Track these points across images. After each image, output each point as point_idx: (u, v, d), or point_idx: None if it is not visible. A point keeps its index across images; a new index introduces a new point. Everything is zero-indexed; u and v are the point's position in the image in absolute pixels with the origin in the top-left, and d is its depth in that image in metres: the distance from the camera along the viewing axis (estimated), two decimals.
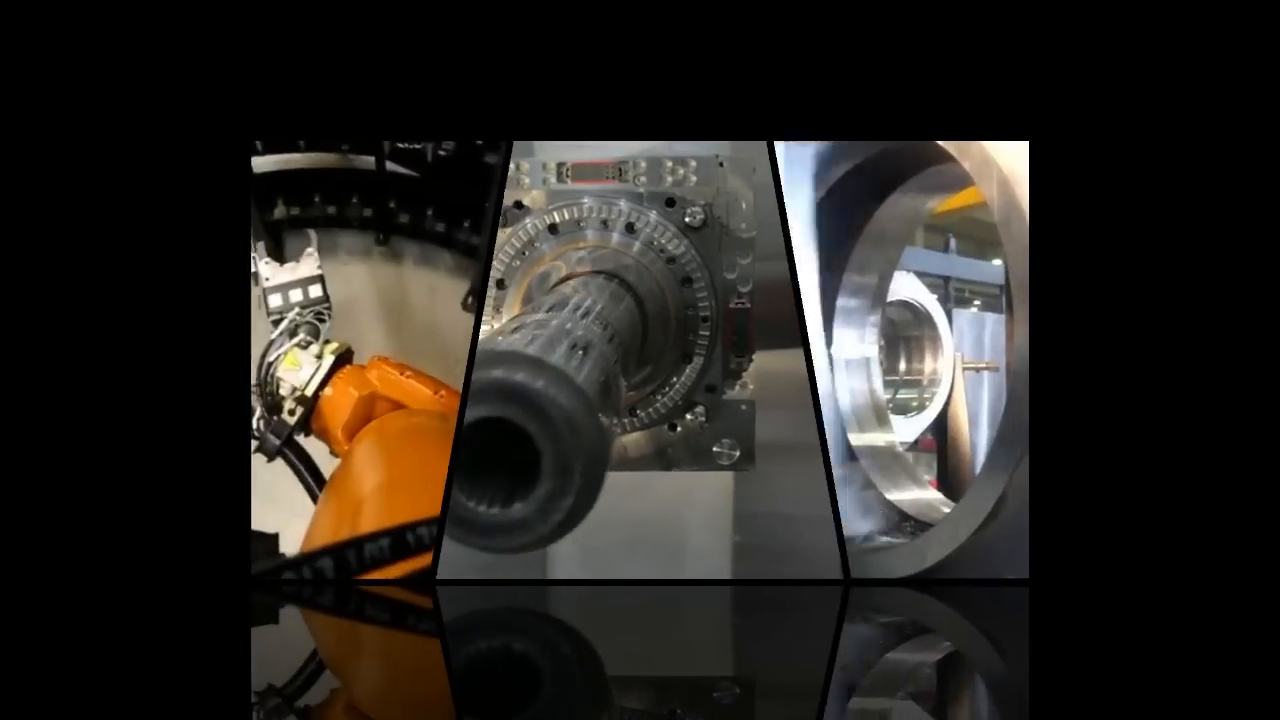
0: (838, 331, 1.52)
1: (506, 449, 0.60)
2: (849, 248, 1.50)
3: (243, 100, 1.19)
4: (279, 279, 1.74)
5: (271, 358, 1.65)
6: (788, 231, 1.14)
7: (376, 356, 1.69)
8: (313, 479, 1.62)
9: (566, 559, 1.23)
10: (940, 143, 1.22)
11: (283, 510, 1.48)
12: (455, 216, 1.98)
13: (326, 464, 1.63)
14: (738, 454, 1.05)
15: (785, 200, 1.16)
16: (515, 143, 1.07)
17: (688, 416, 1.04)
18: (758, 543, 1.21)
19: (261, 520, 1.31)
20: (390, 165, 1.97)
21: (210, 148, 1.19)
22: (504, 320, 1.01)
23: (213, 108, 1.18)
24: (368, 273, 2.03)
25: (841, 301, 1.51)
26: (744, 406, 1.04)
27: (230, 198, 1.19)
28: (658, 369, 1.01)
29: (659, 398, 1.03)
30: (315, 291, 1.74)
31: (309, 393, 1.62)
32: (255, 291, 1.72)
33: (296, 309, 1.71)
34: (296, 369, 1.63)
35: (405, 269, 2.08)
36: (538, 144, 1.08)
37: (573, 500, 0.60)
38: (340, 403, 1.61)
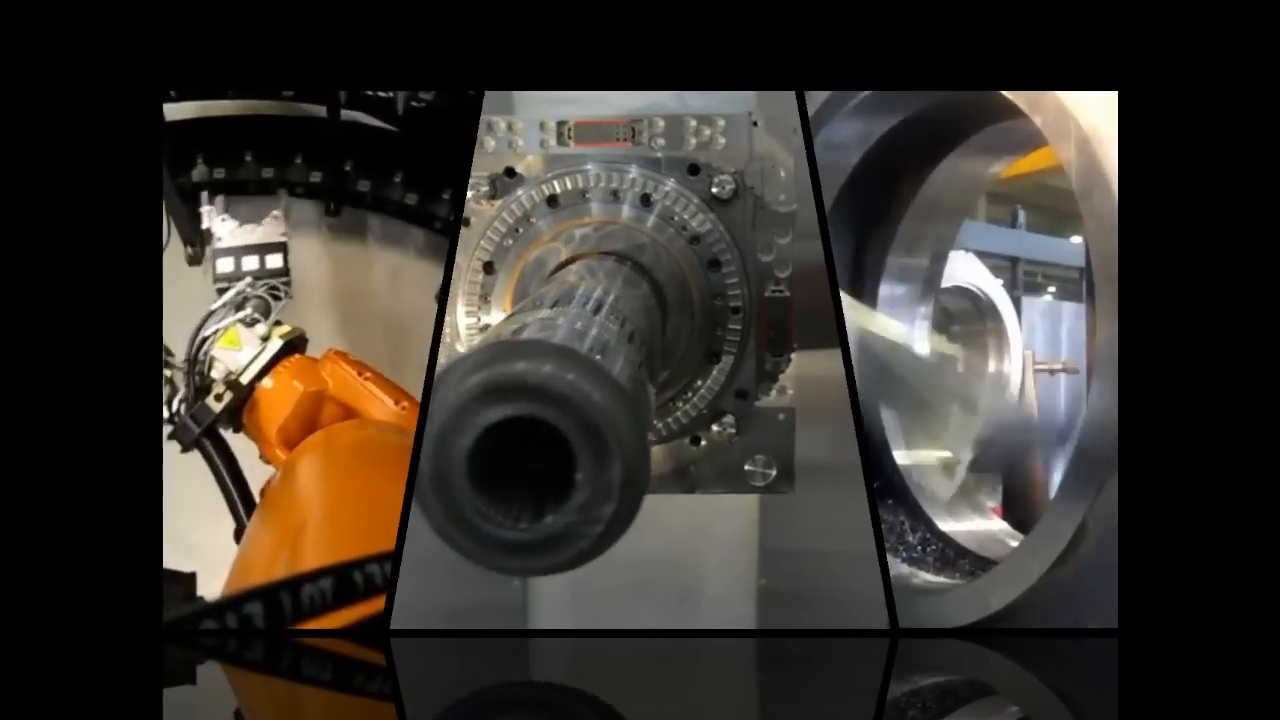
0: None
1: (528, 455, 0.62)
2: (895, 223, 1.50)
3: (150, 35, 1.16)
4: (233, 240, 1.74)
5: (208, 331, 1.65)
6: (821, 202, 1.13)
7: (333, 350, 1.68)
8: (232, 480, 1.61)
9: (552, 604, 1.22)
10: (1006, 93, 1.21)
11: (202, 543, 1.47)
12: (432, 185, 1.95)
13: (252, 468, 1.62)
14: (774, 473, 1.04)
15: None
16: (503, 97, 1.06)
17: (714, 428, 1.02)
18: (787, 585, 1.21)
19: (175, 555, 1.30)
20: (348, 115, 1.93)
21: (112, 91, 1.16)
22: (492, 313, 1.01)
23: (113, 43, 1.16)
24: (314, 252, 2.02)
25: (886, 289, 1.51)
26: (781, 416, 1.03)
27: (135, 155, 1.17)
28: (678, 371, 1.00)
29: (679, 405, 1.01)
30: (274, 261, 1.74)
31: (244, 380, 1.62)
32: (206, 252, 1.72)
33: (249, 279, 1.71)
34: (235, 349, 1.63)
35: (363, 249, 2.06)
36: (518, 96, 1.07)
37: (614, 508, 0.61)
38: (281, 397, 1.61)
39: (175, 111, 1.87)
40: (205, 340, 1.64)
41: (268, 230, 1.76)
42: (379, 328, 2.02)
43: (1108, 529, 1.14)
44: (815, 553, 1.22)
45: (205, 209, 1.78)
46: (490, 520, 0.62)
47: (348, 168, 1.94)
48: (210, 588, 1.36)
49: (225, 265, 1.73)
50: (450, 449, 0.61)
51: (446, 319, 1.03)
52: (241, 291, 1.69)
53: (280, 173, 1.94)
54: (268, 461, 1.62)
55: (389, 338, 2.00)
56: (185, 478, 1.63)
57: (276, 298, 1.70)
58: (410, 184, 1.94)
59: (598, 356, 0.64)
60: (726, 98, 1.05)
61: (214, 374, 1.63)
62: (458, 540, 0.63)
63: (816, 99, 1.29)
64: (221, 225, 1.75)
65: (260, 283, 1.70)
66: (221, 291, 1.70)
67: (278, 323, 1.67)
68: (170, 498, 1.22)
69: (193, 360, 1.63)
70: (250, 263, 1.73)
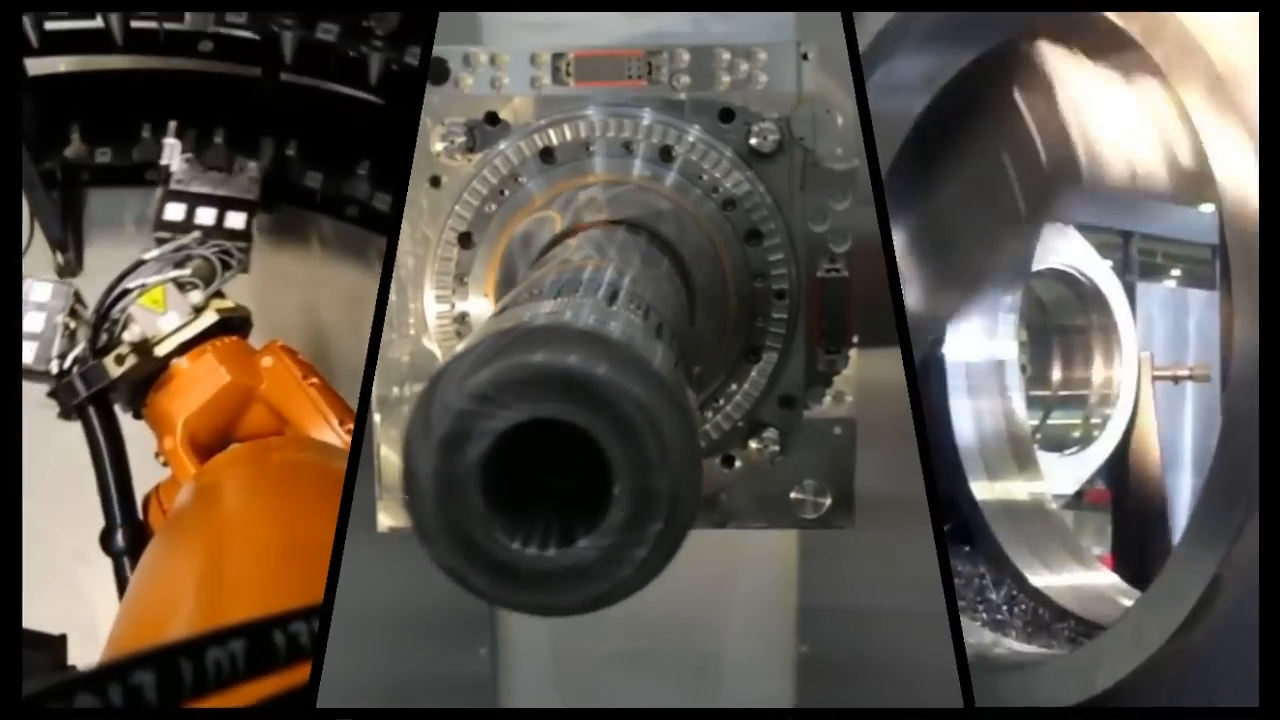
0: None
1: (547, 469, 0.65)
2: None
3: None
4: (194, 186, 1.75)
5: (132, 284, 1.66)
6: (874, 153, 1.12)
7: (278, 343, 1.68)
8: (111, 464, 1.61)
9: (530, 676, 1.22)
10: (1111, 15, 1.21)
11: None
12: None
13: (142, 460, 1.61)
14: (827, 502, 1.03)
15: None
16: (468, 22, 1.06)
17: (752, 444, 1.02)
18: (834, 653, 1.20)
19: (40, 613, 1.29)
20: (292, 80, 1.89)
21: None
22: (470, 298, 1.00)
23: None
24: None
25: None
26: (838, 429, 1.02)
27: None
28: (707, 371, 1.00)
29: (710, 415, 1.01)
30: (235, 221, 1.75)
31: (160, 351, 1.62)
32: (157, 192, 1.73)
33: (198, 233, 1.72)
34: (158, 312, 1.64)
35: (308, 262, 2.04)
36: (485, 18, 1.06)
37: (660, 526, 0.63)
38: (199, 380, 1.62)
39: (41, 66, 1.84)
40: (126, 293, 1.65)
41: (238, 185, 1.78)
42: (328, 369, 1.99)
43: (1247, 583, 1.14)
44: (870, 611, 1.22)
45: (169, 141, 1.79)
46: (510, 546, 0.64)
47: (290, 152, 1.91)
48: (85, 653, 1.36)
49: (175, 212, 1.75)
50: (456, 462, 0.61)
51: (410, 305, 1.02)
52: (185, 246, 1.70)
53: (195, 155, 1.90)
54: (165, 462, 1.61)
55: (342, 382, 1.96)
56: None
57: (227, 265, 1.71)
58: (378, 177, 1.90)
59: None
60: (757, 21, 1.03)
61: (126, 336, 1.63)
62: (469, 573, 0.64)
63: (870, 25, 1.29)
64: (181, 163, 1.76)
65: (211, 242, 1.72)
66: (161, 242, 1.70)
67: (220, 294, 1.68)
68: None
69: (103, 313, 1.64)
70: (206, 215, 1.75)
